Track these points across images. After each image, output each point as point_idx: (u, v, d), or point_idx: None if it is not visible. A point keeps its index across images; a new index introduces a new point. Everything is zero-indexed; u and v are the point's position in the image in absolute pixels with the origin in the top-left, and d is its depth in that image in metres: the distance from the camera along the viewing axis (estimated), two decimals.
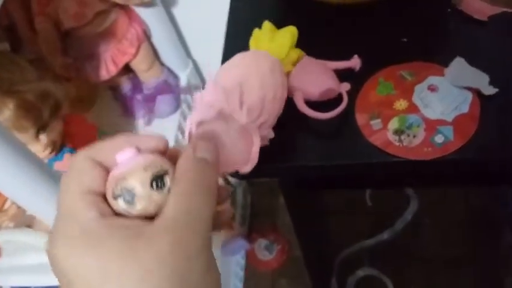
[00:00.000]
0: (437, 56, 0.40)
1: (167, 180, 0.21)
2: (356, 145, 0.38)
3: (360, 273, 1.17)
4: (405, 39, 0.42)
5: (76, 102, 0.76)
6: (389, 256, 1.17)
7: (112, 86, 0.80)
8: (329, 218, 1.22)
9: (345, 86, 0.40)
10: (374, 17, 0.44)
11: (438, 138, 0.36)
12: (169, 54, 0.82)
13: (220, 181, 0.36)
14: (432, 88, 0.39)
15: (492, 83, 0.38)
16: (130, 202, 0.21)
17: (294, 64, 0.41)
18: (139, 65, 0.77)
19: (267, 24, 0.41)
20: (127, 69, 0.78)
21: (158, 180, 0.21)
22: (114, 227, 0.20)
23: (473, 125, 0.36)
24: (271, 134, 0.35)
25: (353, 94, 0.40)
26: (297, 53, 0.40)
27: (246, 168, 0.32)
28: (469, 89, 0.38)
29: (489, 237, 1.10)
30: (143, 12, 0.78)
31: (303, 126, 0.40)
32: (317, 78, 0.40)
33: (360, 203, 1.25)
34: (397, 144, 0.37)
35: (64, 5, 0.70)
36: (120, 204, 0.21)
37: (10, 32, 0.72)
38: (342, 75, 0.41)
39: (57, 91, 0.62)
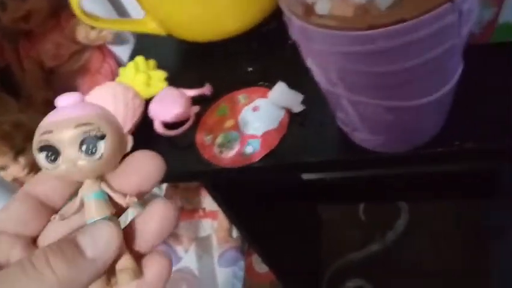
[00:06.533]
0: (270, 82, 0.47)
1: (102, 146, 0.18)
2: (193, 157, 0.46)
3: (350, 285, 1.19)
4: (250, 69, 0.50)
5: None
6: (379, 268, 1.19)
7: None
8: (321, 230, 1.26)
9: (195, 109, 0.49)
10: (228, 51, 0.53)
11: (248, 149, 0.44)
12: None
13: None
14: (255, 108, 0.46)
15: (303, 102, 0.45)
16: (52, 160, 0.18)
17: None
18: None
19: (131, 63, 0.52)
20: None
21: (90, 144, 0.18)
22: None
23: (277, 138, 0.44)
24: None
25: (201, 115, 0.49)
26: (144, 76, 0.51)
27: None
28: (285, 108, 0.46)
29: (478, 250, 1.10)
30: (117, 49, 0.91)
31: (164, 141, 0.49)
32: (170, 104, 0.49)
33: (353, 216, 1.27)
34: (219, 156, 0.45)
35: (44, 48, 0.85)
36: (41, 160, 0.18)
37: (6, 72, 0.87)
38: (198, 100, 0.50)
39: (31, 121, 0.76)
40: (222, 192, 0.59)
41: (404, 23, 0.25)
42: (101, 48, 0.90)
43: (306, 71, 0.33)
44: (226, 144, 0.45)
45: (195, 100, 0.49)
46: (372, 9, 0.26)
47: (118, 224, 0.19)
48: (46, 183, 0.20)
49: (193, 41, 0.50)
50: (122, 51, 0.90)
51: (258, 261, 1.28)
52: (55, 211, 0.20)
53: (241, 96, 0.48)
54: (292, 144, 0.42)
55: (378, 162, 0.39)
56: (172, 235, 1.34)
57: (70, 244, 0.18)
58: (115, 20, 0.62)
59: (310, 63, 0.32)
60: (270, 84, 0.46)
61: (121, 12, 0.86)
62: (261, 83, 0.48)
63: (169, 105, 0.49)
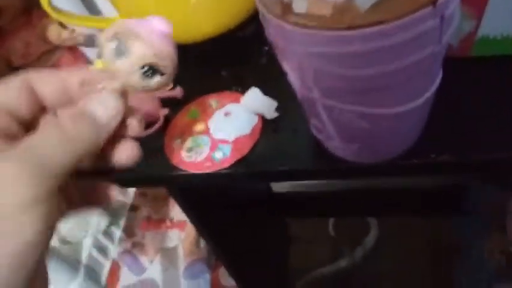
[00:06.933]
0: (244, 87, 0.46)
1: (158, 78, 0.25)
2: (160, 161, 0.44)
3: None
4: (224, 73, 0.48)
5: None
6: (347, 284, 1.18)
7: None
8: (290, 244, 1.25)
9: (164, 111, 0.47)
10: (202, 54, 0.51)
11: (218, 155, 0.42)
12: None
13: None
14: (227, 113, 0.45)
15: (277, 109, 0.44)
16: (120, 53, 0.24)
17: None
18: None
19: (99, 60, 0.49)
20: None
21: (150, 72, 0.25)
22: None
23: (249, 144, 0.42)
24: None
25: (171, 118, 0.47)
26: None
27: None
28: (258, 114, 0.44)
29: (446, 265, 1.10)
30: (89, 51, 0.88)
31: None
32: (137, 105, 0.47)
33: (322, 231, 1.27)
34: (187, 160, 0.43)
35: (13, 46, 0.81)
36: (110, 48, 0.24)
37: None
38: (168, 102, 0.48)
39: None
40: (190, 199, 0.57)
41: (384, 25, 0.24)
42: (72, 50, 0.87)
43: (281, 78, 0.31)
44: (195, 149, 0.43)
45: (164, 102, 0.47)
46: (351, 10, 0.25)
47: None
48: (50, 84, 0.25)
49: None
50: (93, 54, 0.88)
51: (225, 275, 1.27)
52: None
53: (213, 100, 0.47)
54: (264, 152, 0.41)
55: (352, 172, 0.38)
56: (138, 245, 1.31)
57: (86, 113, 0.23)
58: (87, 17, 0.60)
59: (286, 65, 0.31)
60: (243, 90, 0.45)
61: (95, 12, 0.84)
62: (234, 88, 0.47)
63: (136, 106, 0.46)
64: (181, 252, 1.27)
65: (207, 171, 0.41)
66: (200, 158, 0.42)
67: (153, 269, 1.26)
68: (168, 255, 1.28)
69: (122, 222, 1.25)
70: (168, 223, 1.32)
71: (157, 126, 0.46)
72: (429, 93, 0.31)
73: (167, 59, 0.25)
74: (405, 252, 1.15)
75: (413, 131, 0.36)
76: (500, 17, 0.37)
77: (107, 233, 1.23)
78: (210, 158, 0.42)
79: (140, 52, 0.24)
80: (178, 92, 0.49)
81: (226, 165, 0.41)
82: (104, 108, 0.24)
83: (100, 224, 1.18)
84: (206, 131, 0.44)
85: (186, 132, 0.44)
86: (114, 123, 0.25)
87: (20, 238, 0.18)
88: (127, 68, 0.25)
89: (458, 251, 1.06)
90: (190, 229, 1.21)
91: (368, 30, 0.25)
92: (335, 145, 0.36)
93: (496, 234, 0.94)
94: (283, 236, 1.25)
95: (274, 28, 0.28)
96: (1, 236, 0.18)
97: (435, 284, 1.08)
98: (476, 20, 0.38)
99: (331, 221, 1.28)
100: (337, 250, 1.24)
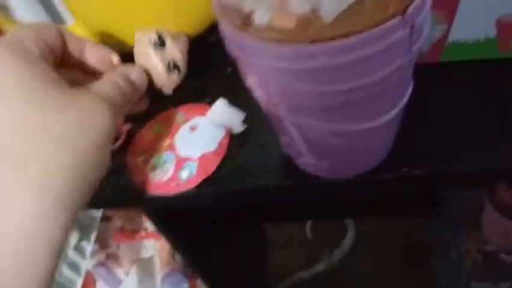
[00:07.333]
0: (210, 98, 0.44)
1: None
2: (124, 181, 0.42)
3: None
4: (189, 84, 0.46)
5: None
6: (326, 287, 1.17)
7: None
8: (267, 249, 1.23)
9: (126, 126, 0.45)
10: None
11: (183, 174, 0.40)
12: None
13: None
14: (193, 127, 0.42)
15: (245, 121, 0.42)
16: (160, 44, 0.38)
17: None
18: None
19: None
20: None
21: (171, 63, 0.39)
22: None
23: (216, 161, 0.40)
24: None
25: (134, 134, 0.45)
26: None
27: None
28: (225, 127, 0.42)
29: (422, 267, 1.10)
30: None
31: None
32: None
33: (300, 234, 1.26)
34: (151, 180, 0.40)
35: None
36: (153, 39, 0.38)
37: None
38: (130, 116, 0.45)
39: None
40: (160, 216, 0.55)
41: (350, 38, 0.22)
42: None
43: (248, 88, 0.29)
44: (160, 167, 0.40)
45: (127, 117, 0.45)
46: (316, 21, 0.23)
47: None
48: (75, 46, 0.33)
49: (129, 51, 0.45)
50: None
51: (203, 284, 1.24)
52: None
53: (178, 113, 0.44)
54: (231, 169, 0.39)
55: (323, 188, 0.36)
56: (112, 257, 1.28)
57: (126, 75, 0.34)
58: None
59: (249, 81, 0.28)
60: (211, 101, 0.43)
61: (57, 19, 0.80)
62: (200, 99, 0.45)
63: None
64: (157, 262, 1.24)
65: (173, 192, 0.39)
66: (165, 178, 0.39)
67: (129, 280, 1.23)
68: (144, 266, 1.25)
69: (93, 236, 1.21)
70: (143, 233, 1.29)
71: (119, 142, 0.44)
72: (400, 106, 0.29)
73: (184, 61, 0.40)
74: (383, 254, 1.15)
75: (385, 144, 0.34)
76: (472, 20, 0.36)
77: (78, 249, 1.18)
78: (175, 178, 0.39)
79: (171, 48, 0.39)
80: (141, 104, 0.46)
81: (193, 185, 0.39)
82: (142, 77, 0.36)
83: (69, 240, 1.14)
84: (171, 148, 0.41)
85: (150, 149, 0.42)
86: (143, 89, 0.36)
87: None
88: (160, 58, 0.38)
89: (436, 251, 1.06)
90: None
91: (333, 44, 0.23)
92: (306, 161, 0.35)
93: (472, 233, 0.94)
94: (260, 241, 1.23)
95: (235, 41, 0.26)
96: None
97: (413, 284, 1.08)
98: (446, 25, 0.37)
99: (308, 223, 1.27)
100: (315, 253, 1.23)
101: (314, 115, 0.28)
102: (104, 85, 0.30)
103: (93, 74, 0.34)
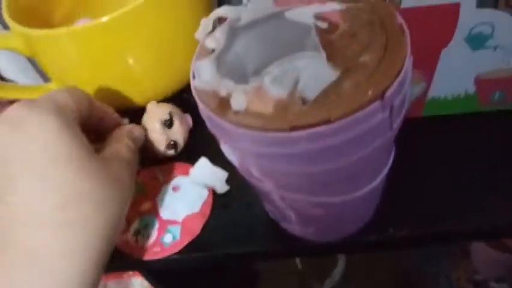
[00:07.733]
0: (192, 157, 0.43)
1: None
2: None
3: None
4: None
5: None
6: None
7: None
8: (258, 280, 1.22)
9: None
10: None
11: (167, 238, 0.39)
12: None
13: None
14: (175, 188, 0.42)
15: (228, 181, 0.41)
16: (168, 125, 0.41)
17: None
18: None
19: None
20: None
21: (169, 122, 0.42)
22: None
23: (199, 224, 0.39)
24: None
25: None
26: None
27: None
28: (208, 188, 0.41)
29: None
30: None
31: None
32: None
33: (290, 265, 1.25)
34: (134, 244, 0.39)
35: None
36: (163, 120, 0.41)
37: None
38: None
39: None
40: (148, 273, 0.54)
41: (330, 125, 0.22)
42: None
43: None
44: (142, 231, 0.39)
45: None
46: (294, 106, 0.23)
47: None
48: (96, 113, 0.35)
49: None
50: None
51: None
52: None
53: (160, 172, 0.43)
54: (215, 232, 0.38)
55: (310, 251, 0.35)
56: None
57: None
58: (14, 86, 0.54)
59: (230, 157, 0.28)
60: (192, 160, 0.42)
61: (46, 79, 0.79)
62: (181, 158, 0.44)
63: None
64: None
65: (156, 257, 0.38)
66: (148, 243, 0.39)
67: None
68: None
69: None
70: (130, 271, 1.26)
71: None
72: (383, 174, 0.29)
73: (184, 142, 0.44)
74: (374, 284, 1.14)
75: (369, 208, 0.34)
76: (450, 78, 0.36)
77: None
78: (158, 242, 0.38)
79: (176, 130, 0.42)
80: None
81: (177, 249, 0.38)
82: (142, 134, 0.39)
83: None
84: (153, 210, 0.40)
85: (132, 211, 0.41)
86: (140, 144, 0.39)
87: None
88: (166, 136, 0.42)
89: (426, 281, 1.05)
90: None
91: (314, 130, 0.22)
92: (291, 227, 0.34)
93: (461, 262, 0.93)
94: (251, 271, 1.22)
95: (213, 123, 0.26)
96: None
97: None
98: (426, 82, 0.37)
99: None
100: (306, 283, 1.22)
101: (297, 190, 0.27)
102: (121, 148, 0.34)
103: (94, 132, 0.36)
